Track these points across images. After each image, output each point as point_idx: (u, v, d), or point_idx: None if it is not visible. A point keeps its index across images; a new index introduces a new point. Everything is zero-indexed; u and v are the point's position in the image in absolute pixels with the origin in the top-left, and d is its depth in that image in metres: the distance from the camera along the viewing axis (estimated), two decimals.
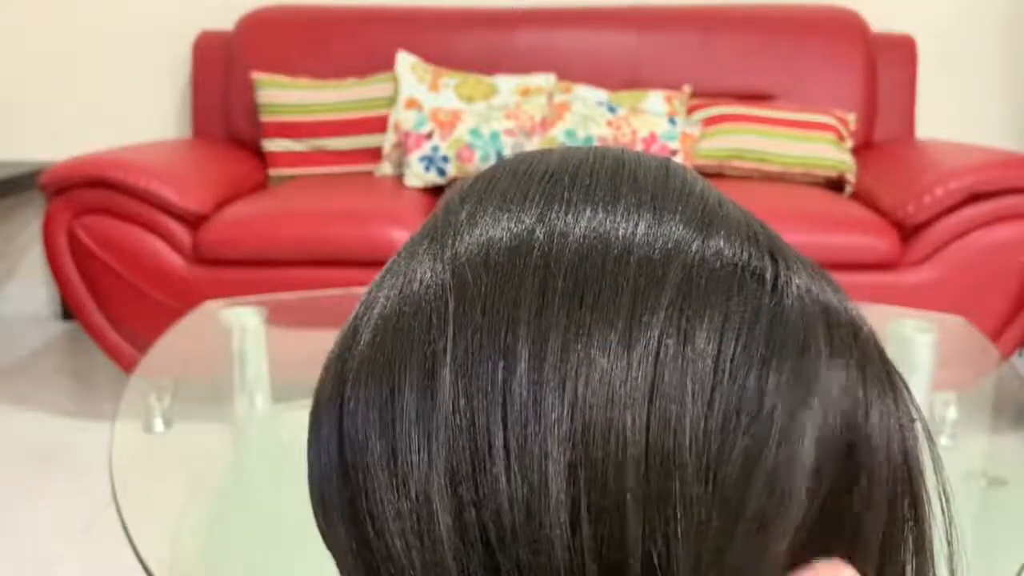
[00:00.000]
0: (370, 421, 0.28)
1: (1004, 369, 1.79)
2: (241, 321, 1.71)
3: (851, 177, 2.48)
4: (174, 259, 2.20)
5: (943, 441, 1.44)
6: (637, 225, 0.28)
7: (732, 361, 0.26)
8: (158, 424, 1.45)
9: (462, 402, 0.26)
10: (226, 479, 1.42)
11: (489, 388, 0.26)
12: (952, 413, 1.47)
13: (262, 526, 1.26)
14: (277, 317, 1.81)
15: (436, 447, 0.26)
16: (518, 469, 0.26)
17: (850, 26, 2.68)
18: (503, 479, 0.26)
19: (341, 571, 0.30)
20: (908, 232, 2.14)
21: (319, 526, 0.31)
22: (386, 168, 2.63)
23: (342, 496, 0.29)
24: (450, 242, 0.30)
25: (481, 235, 0.29)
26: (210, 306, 1.84)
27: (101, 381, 2.50)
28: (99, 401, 2.37)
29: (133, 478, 1.25)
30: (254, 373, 1.62)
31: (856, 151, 2.57)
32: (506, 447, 0.26)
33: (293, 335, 1.77)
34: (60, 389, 2.50)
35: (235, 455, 1.54)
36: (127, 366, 2.18)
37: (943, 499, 0.31)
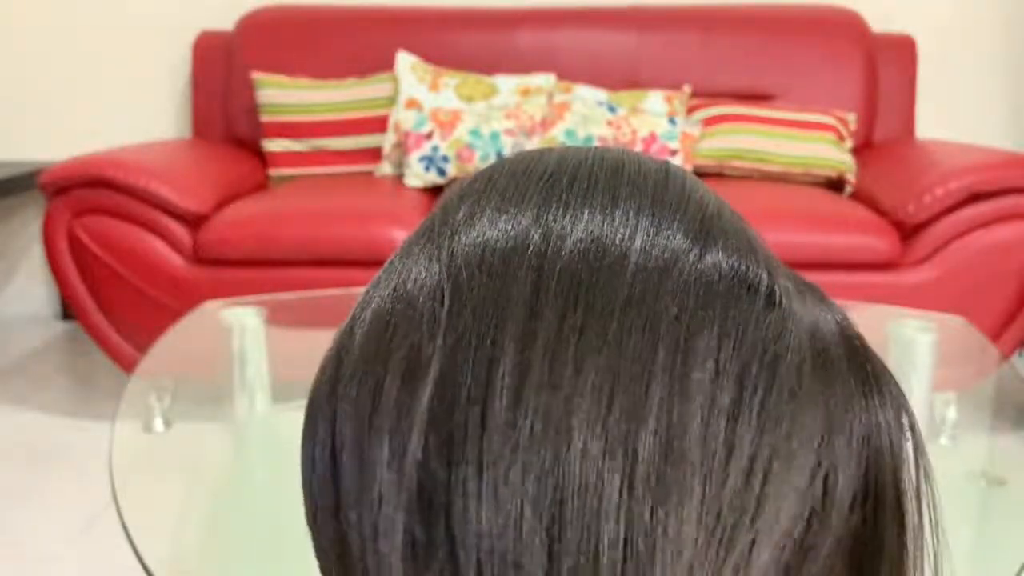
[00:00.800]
0: (355, 420, 0.28)
1: (1004, 369, 1.79)
2: (241, 321, 1.71)
3: (851, 177, 2.48)
4: (174, 259, 2.20)
5: (943, 441, 1.44)
6: (635, 232, 0.28)
7: (730, 374, 0.26)
8: (158, 424, 1.45)
9: (445, 403, 0.26)
10: (226, 479, 1.42)
11: (472, 390, 0.26)
12: (952, 413, 1.47)
13: (262, 526, 1.26)
14: (277, 317, 1.81)
15: (411, 446, 0.26)
16: (490, 478, 0.25)
17: (850, 26, 2.68)
18: (472, 486, 0.25)
19: (321, 569, 0.30)
20: (908, 232, 2.14)
21: (308, 524, 0.31)
22: (386, 168, 2.63)
23: (327, 497, 0.29)
24: (446, 242, 0.30)
25: (477, 236, 0.29)
26: (210, 306, 1.84)
27: (101, 381, 2.50)
28: (99, 401, 2.37)
29: (133, 478, 1.25)
30: (254, 373, 1.62)
31: (856, 151, 2.57)
32: (481, 449, 0.25)
33: (293, 335, 1.77)
34: (60, 389, 2.50)
35: (235, 455, 1.54)
36: (127, 366, 2.18)
37: (931, 506, 0.31)
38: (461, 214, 0.30)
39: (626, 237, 0.28)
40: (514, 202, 0.30)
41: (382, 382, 0.27)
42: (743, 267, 0.29)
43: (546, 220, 0.29)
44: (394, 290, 0.29)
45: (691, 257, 0.28)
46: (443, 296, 0.28)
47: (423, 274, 0.29)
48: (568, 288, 0.27)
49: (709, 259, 0.28)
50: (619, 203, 0.29)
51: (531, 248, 0.28)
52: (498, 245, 0.29)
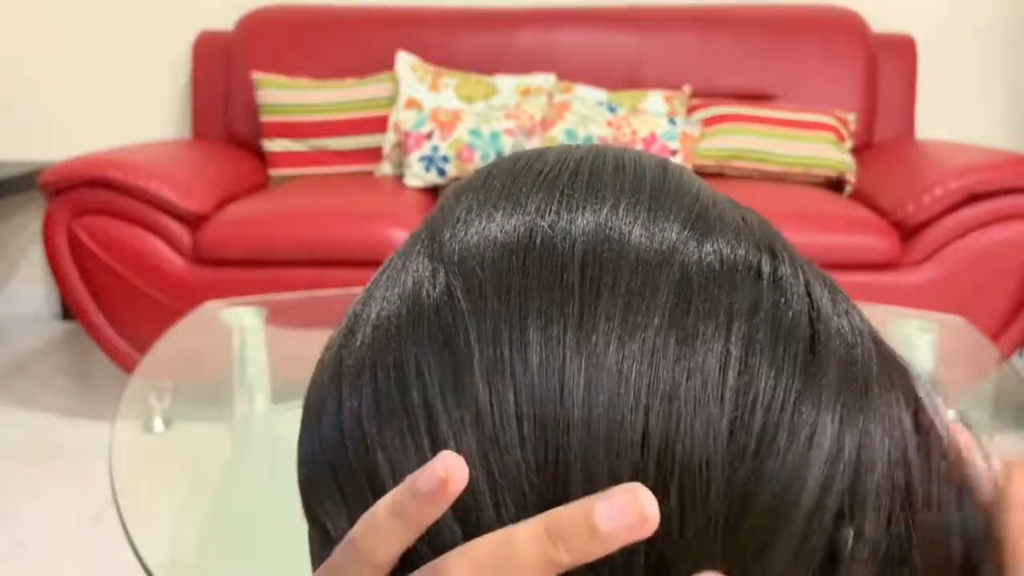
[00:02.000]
0: (379, 418, 0.28)
1: (1004, 369, 1.79)
2: (241, 321, 1.71)
3: (851, 177, 2.48)
4: (174, 259, 2.20)
5: None
6: (634, 224, 0.28)
7: (736, 358, 0.26)
8: (158, 424, 1.45)
9: (493, 395, 0.26)
10: (226, 479, 1.42)
11: (511, 380, 0.26)
12: (952, 413, 1.47)
13: (261, 526, 1.26)
14: (277, 317, 1.81)
15: (482, 440, 0.26)
16: (535, 462, 0.26)
17: (850, 26, 2.68)
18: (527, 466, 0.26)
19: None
20: (908, 232, 2.14)
21: (308, 516, 0.31)
22: (386, 168, 2.63)
23: (343, 490, 0.28)
24: (447, 240, 0.30)
25: (477, 233, 0.29)
26: (210, 306, 1.84)
27: (101, 381, 2.50)
28: (99, 401, 2.37)
29: (133, 478, 1.25)
30: (254, 373, 1.62)
31: (856, 151, 2.57)
32: (523, 432, 0.26)
33: (293, 335, 1.77)
34: (60, 389, 2.50)
35: (235, 455, 1.54)
36: (127, 366, 2.18)
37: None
38: (459, 213, 0.31)
39: (625, 229, 0.28)
40: (513, 198, 0.30)
41: (422, 387, 0.27)
42: (742, 252, 0.29)
43: (547, 214, 0.29)
44: (398, 290, 0.30)
45: (690, 245, 0.28)
46: (451, 292, 0.28)
47: (426, 273, 0.29)
48: (576, 277, 0.27)
49: (708, 247, 0.28)
50: (618, 197, 0.29)
51: (535, 241, 0.28)
52: (499, 239, 0.29)
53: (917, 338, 1.57)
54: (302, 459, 0.31)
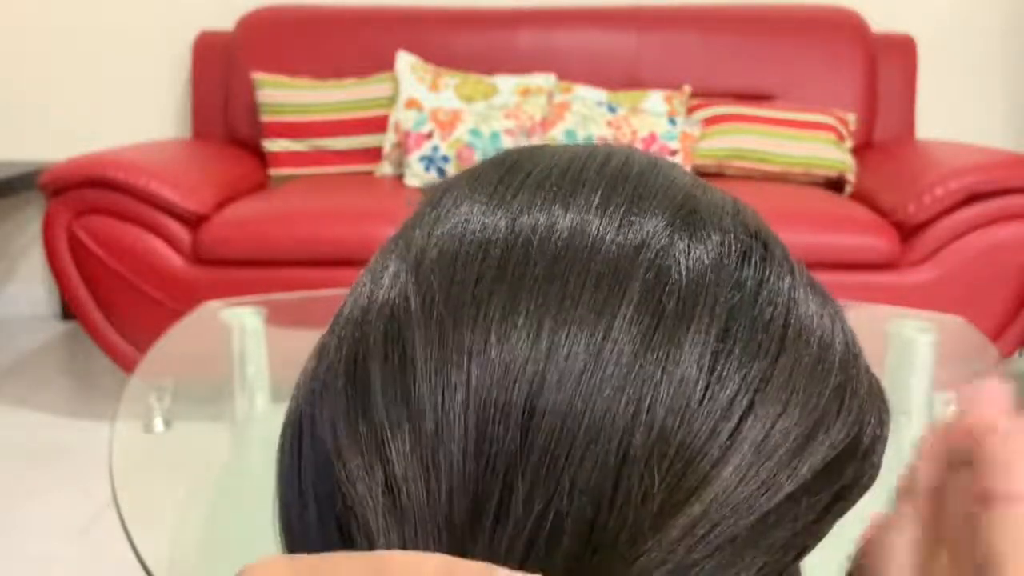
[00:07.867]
0: (342, 427, 0.27)
1: (1004, 369, 1.79)
2: (241, 321, 1.71)
3: (851, 177, 2.48)
4: (174, 259, 2.20)
5: None
6: (612, 218, 0.28)
7: (710, 348, 0.26)
8: (158, 424, 1.45)
9: (435, 395, 0.26)
10: (226, 479, 1.42)
11: (454, 381, 0.26)
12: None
13: (261, 526, 1.26)
14: (277, 317, 1.81)
15: (418, 447, 0.26)
16: (474, 456, 0.25)
17: (850, 26, 2.68)
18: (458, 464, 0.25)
19: None
20: (908, 232, 2.14)
21: (284, 540, 0.31)
22: (386, 168, 2.63)
23: (320, 503, 0.28)
24: (419, 240, 0.30)
25: (452, 231, 0.29)
26: (210, 306, 1.84)
27: (101, 381, 2.50)
28: (99, 401, 2.37)
29: (133, 478, 1.25)
30: (254, 373, 1.62)
31: (856, 151, 2.57)
32: (465, 434, 0.25)
33: (293, 335, 1.77)
34: (60, 389, 2.50)
35: (235, 455, 1.54)
36: (127, 366, 2.18)
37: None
38: (437, 212, 0.31)
39: (601, 224, 0.28)
40: (497, 196, 0.30)
41: (371, 390, 0.27)
42: (731, 240, 0.29)
43: (531, 211, 0.29)
44: (369, 290, 0.29)
45: (668, 235, 0.28)
46: (409, 293, 0.28)
47: (392, 272, 0.29)
48: (543, 280, 0.27)
49: (692, 237, 0.28)
50: (597, 192, 0.29)
51: (513, 237, 0.28)
52: (477, 235, 0.29)
53: (917, 338, 1.57)
54: (281, 472, 0.31)
